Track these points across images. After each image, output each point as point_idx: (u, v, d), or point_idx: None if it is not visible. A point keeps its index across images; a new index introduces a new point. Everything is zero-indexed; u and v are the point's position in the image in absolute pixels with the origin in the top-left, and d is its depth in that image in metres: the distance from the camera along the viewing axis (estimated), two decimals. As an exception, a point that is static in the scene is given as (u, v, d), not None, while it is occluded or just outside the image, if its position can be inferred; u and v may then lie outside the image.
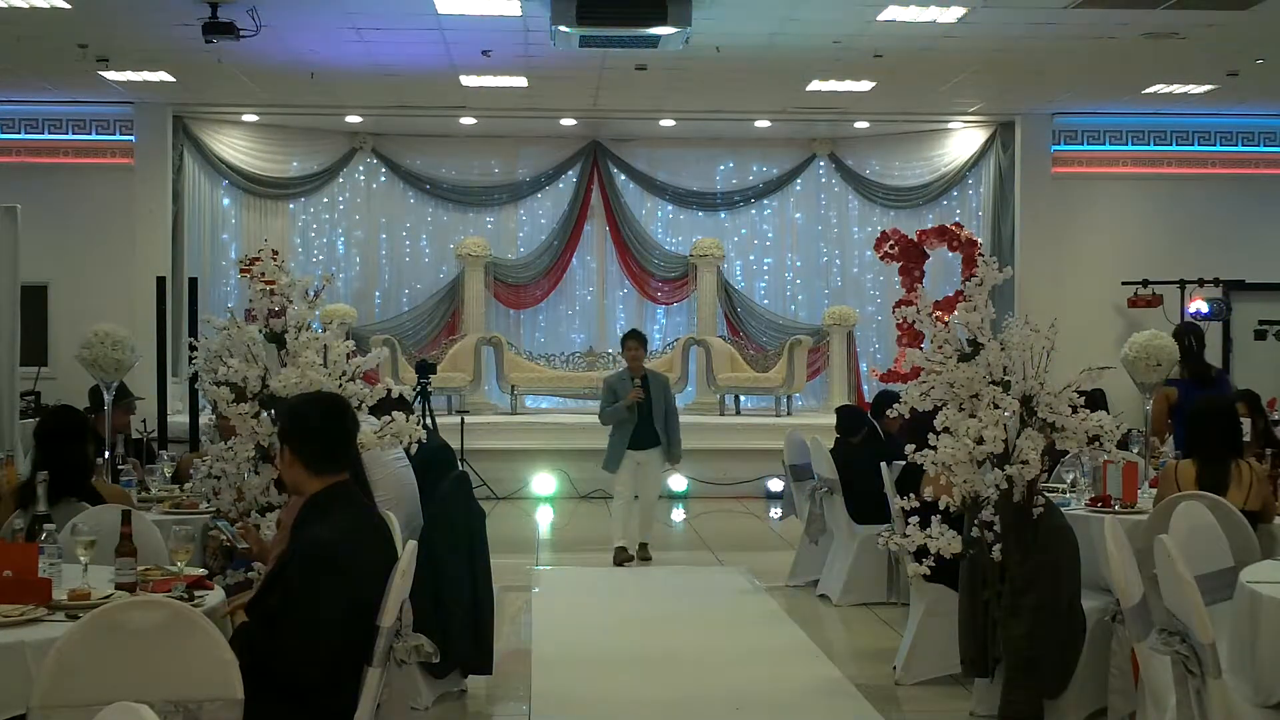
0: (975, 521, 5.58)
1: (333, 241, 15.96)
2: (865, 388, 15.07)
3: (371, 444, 5.49)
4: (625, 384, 9.80)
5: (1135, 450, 7.15)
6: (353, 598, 3.88)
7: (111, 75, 12.34)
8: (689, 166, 16.03)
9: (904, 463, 6.55)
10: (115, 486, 6.22)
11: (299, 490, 4.15)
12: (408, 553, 4.01)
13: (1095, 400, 8.58)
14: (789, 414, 14.54)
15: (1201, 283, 14.13)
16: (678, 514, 12.62)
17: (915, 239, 14.43)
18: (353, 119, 14.92)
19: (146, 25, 10.45)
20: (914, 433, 5.89)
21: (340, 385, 5.57)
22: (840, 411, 9.32)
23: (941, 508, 5.63)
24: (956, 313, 5.79)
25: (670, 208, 16.13)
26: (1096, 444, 5.62)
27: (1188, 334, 9.29)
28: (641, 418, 9.73)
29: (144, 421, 9.14)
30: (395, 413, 5.68)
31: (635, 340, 9.94)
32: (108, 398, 7.84)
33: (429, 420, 11.73)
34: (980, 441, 5.49)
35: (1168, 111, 14.11)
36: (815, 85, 12.69)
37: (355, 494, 4.16)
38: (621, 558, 9.80)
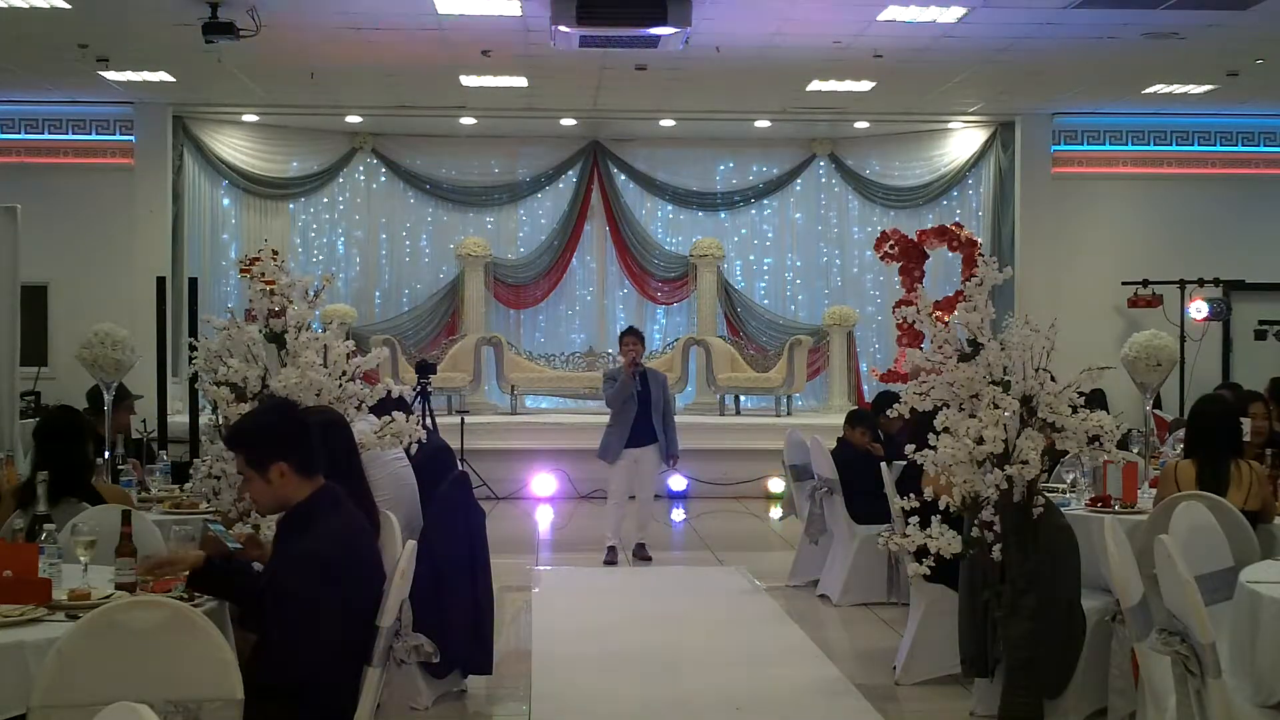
0: (975, 521, 5.58)
1: (333, 241, 15.96)
2: (865, 388, 15.07)
3: (371, 444, 5.49)
4: (621, 372, 9.95)
5: (1135, 450, 7.14)
6: (349, 600, 3.88)
7: (111, 75, 12.34)
8: (689, 166, 16.04)
9: (904, 463, 6.55)
10: (115, 486, 6.21)
11: (285, 505, 4.07)
12: (407, 552, 4.01)
13: (1095, 400, 8.54)
14: (789, 414, 14.54)
15: (1201, 283, 14.13)
16: (678, 514, 12.62)
17: (915, 239, 14.42)
18: (353, 119, 14.92)
19: (146, 25, 10.45)
20: (914, 433, 5.89)
21: (340, 385, 5.56)
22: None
23: (941, 508, 5.63)
24: (956, 313, 5.79)
25: (670, 208, 16.13)
26: (1096, 444, 5.61)
27: None
28: (641, 411, 9.81)
29: (144, 421, 9.14)
30: (395, 413, 5.68)
31: (633, 336, 10.07)
32: (108, 398, 7.84)
33: (429, 420, 11.73)
34: (980, 441, 5.49)
35: (1168, 111, 14.11)
36: (815, 85, 12.69)
37: (339, 495, 4.12)
38: (613, 557, 9.86)
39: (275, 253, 12.13)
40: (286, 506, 4.07)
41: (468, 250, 15.35)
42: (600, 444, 10.06)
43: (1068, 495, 6.70)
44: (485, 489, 12.50)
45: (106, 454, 7.27)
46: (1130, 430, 7.76)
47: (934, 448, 5.59)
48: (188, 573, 3.96)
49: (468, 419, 13.16)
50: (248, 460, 4.07)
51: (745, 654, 7.25)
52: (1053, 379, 5.64)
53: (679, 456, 10.20)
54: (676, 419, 10.30)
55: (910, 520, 5.67)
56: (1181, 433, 7.24)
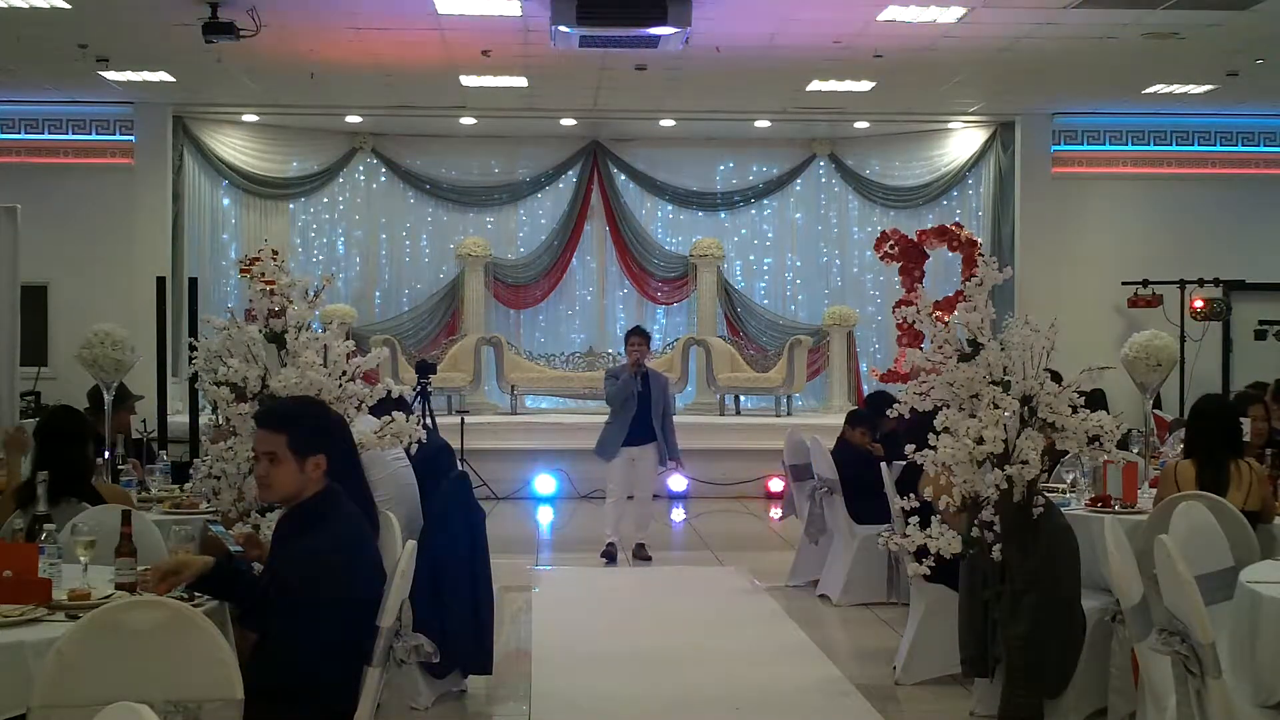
0: (975, 521, 5.58)
1: (333, 241, 15.97)
2: (865, 388, 15.07)
3: (371, 444, 5.49)
4: (624, 371, 9.96)
5: (1135, 450, 7.14)
6: (350, 601, 3.88)
7: (111, 75, 12.34)
8: (689, 166, 16.04)
9: (904, 463, 6.55)
10: (115, 487, 6.21)
11: (296, 499, 4.06)
12: (407, 552, 4.00)
13: (1095, 400, 8.53)
14: (789, 414, 14.54)
15: (1201, 283, 14.13)
16: (678, 514, 12.62)
17: (915, 239, 14.43)
18: (353, 119, 14.93)
19: (146, 25, 10.46)
20: (913, 433, 5.89)
21: (340, 385, 5.56)
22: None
23: (941, 508, 5.62)
24: (956, 313, 5.79)
25: (670, 208, 16.14)
26: (1096, 444, 5.61)
27: None
28: (640, 411, 9.82)
29: (144, 421, 9.14)
30: (395, 413, 5.68)
31: (639, 335, 10.10)
32: (108, 398, 7.84)
33: (429, 420, 11.73)
34: (980, 441, 5.49)
35: (1168, 111, 14.11)
36: (815, 85, 12.69)
37: (341, 496, 4.11)
38: (611, 551, 9.88)
39: (275, 253, 12.12)
40: (296, 500, 4.06)
41: (468, 250, 15.36)
42: (598, 440, 10.07)
43: (1068, 495, 6.69)
44: (485, 489, 12.50)
45: (106, 454, 7.27)
46: (1130, 430, 7.76)
47: (934, 448, 5.59)
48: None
49: (468, 419, 13.16)
50: (292, 441, 3.99)
51: (745, 654, 7.25)
52: (1053, 379, 5.64)
53: (679, 460, 10.24)
54: (676, 419, 10.33)
55: (910, 520, 5.67)
56: (1181, 433, 7.24)
